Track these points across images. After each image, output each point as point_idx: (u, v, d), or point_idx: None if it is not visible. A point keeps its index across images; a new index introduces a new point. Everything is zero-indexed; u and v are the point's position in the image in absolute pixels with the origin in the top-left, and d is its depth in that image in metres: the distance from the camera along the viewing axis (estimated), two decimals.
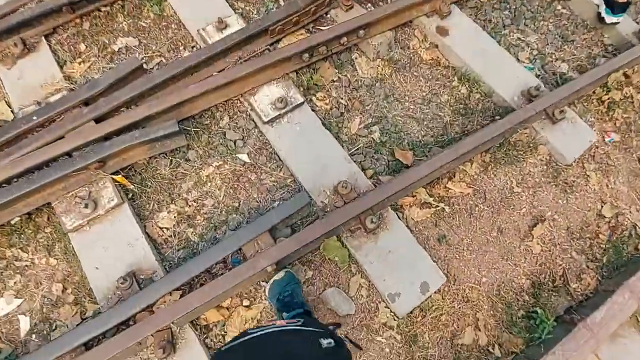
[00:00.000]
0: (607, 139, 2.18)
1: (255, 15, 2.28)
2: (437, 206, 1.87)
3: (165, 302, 1.50)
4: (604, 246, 1.90)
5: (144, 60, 2.05)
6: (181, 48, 2.13)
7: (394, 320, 1.64)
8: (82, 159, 1.61)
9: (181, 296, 1.51)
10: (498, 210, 1.91)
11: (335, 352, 0.72)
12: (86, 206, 1.60)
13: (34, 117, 1.68)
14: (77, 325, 1.53)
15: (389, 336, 1.63)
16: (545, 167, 2.04)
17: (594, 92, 2.26)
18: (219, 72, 1.98)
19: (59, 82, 1.91)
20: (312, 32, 2.22)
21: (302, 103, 1.97)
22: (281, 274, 1.55)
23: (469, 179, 1.95)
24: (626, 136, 2.20)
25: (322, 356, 0.68)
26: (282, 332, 0.76)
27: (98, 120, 1.73)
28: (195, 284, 1.57)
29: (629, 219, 1.98)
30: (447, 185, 1.91)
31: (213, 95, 1.87)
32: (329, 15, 2.29)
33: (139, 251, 1.61)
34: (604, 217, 1.97)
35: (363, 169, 1.91)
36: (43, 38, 2.02)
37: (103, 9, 2.14)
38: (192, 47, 2.13)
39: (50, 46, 2.03)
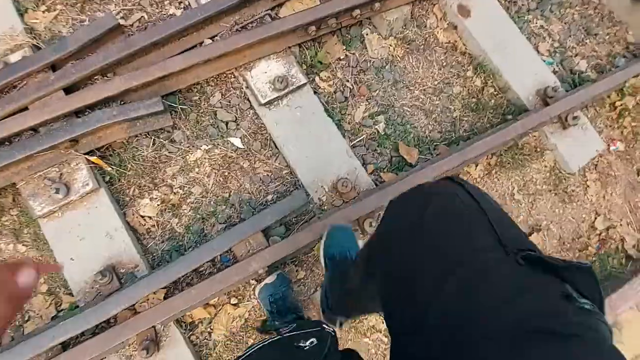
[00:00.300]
0: (611, 147, 2.13)
1: None
2: None
3: (148, 299, 1.41)
4: (591, 258, 1.94)
5: (121, 15, 1.74)
6: (166, 2, 1.82)
7: (382, 323, 1.64)
8: (50, 137, 1.40)
9: (166, 295, 1.43)
10: None
11: (318, 351, 0.67)
12: (57, 191, 1.43)
13: None
14: (53, 317, 1.44)
15: (376, 338, 1.64)
16: (548, 174, 1.98)
17: (608, 97, 2.16)
18: (210, 38, 1.72)
19: (19, 36, 1.60)
20: None
21: (305, 84, 1.76)
22: (272, 277, 1.49)
23: (472, 182, 1.88)
24: (630, 146, 2.16)
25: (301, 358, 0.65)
26: (262, 349, 0.71)
27: (67, 89, 1.49)
28: (181, 282, 1.48)
29: (618, 233, 2.00)
30: None
31: (203, 68, 1.63)
32: None
33: (118, 243, 1.49)
34: (596, 229, 1.98)
35: (364, 164, 1.79)
36: None
37: None
38: (179, 2, 1.82)
39: None
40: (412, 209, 0.59)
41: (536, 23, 2.23)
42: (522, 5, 2.24)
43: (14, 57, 1.55)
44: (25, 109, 1.45)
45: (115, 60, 1.51)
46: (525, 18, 2.22)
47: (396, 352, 0.55)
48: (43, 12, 1.70)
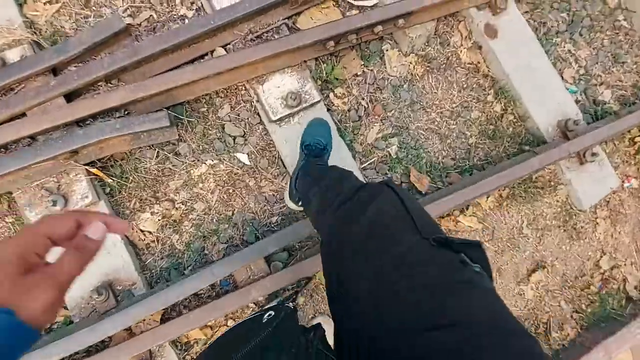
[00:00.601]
0: (625, 184, 2.08)
1: None
2: None
3: (144, 320, 1.39)
4: (591, 297, 1.92)
5: (128, 13, 1.63)
6: (177, 1, 1.70)
7: None
8: (48, 148, 1.33)
9: (162, 317, 1.41)
10: (502, 250, 1.84)
11: (272, 321, 0.77)
12: (54, 203, 1.37)
13: None
14: (48, 331, 1.41)
15: None
16: (559, 209, 1.94)
17: (629, 131, 2.08)
18: (223, 46, 1.62)
19: (17, 30, 1.50)
20: (342, 6, 1.83)
21: (318, 101, 1.68)
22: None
23: (482, 214, 1.84)
24: None
25: (262, 331, 0.73)
26: (237, 326, 0.81)
27: (68, 95, 1.41)
28: (178, 304, 1.45)
29: (622, 273, 1.98)
30: (457, 219, 1.79)
31: (213, 80, 1.54)
32: None
33: (117, 258, 1.45)
34: (600, 268, 1.96)
35: None
36: None
37: None
38: (191, 3, 1.70)
39: None
40: (353, 212, 0.75)
41: (564, 47, 2.13)
42: (552, 26, 2.13)
43: (11, 54, 1.46)
44: (23, 114, 1.37)
45: (121, 68, 1.42)
46: (554, 41, 2.11)
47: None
48: (44, 3, 1.58)
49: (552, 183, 1.93)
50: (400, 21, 1.72)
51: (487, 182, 1.66)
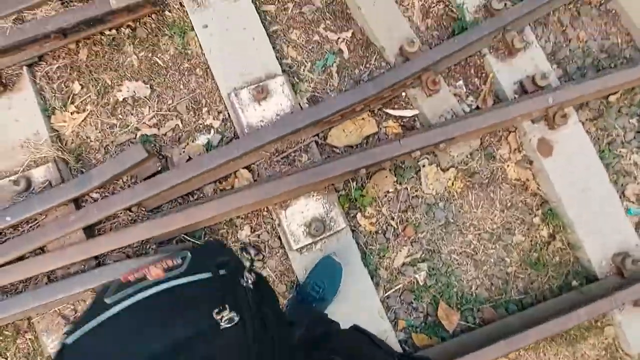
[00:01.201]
0: None
1: (306, 72, 1.69)
2: None
3: None
4: None
5: (154, 122, 1.58)
6: (204, 110, 1.62)
7: None
8: (66, 287, 1.31)
9: None
10: None
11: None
12: (68, 335, 1.36)
13: (8, 218, 1.32)
14: None
15: None
16: (603, 352, 1.73)
17: None
18: (246, 167, 1.53)
19: (43, 145, 1.48)
20: (378, 115, 1.69)
21: (344, 228, 1.57)
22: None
23: (514, 355, 1.67)
24: None
25: None
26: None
27: (87, 227, 1.38)
28: None
29: None
30: None
31: (235, 211, 1.47)
32: (405, 94, 1.71)
33: None
34: None
35: (395, 319, 1.62)
36: (25, 69, 1.51)
37: (107, 32, 1.57)
38: (218, 113, 1.62)
39: (34, 82, 1.53)
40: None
41: (629, 159, 1.87)
42: (617, 135, 1.87)
43: (37, 173, 1.44)
44: (42, 248, 1.36)
45: (141, 200, 1.37)
46: (618, 152, 1.86)
47: None
48: (72, 113, 1.55)
49: (600, 324, 1.72)
50: (442, 145, 1.56)
51: (523, 337, 1.50)
